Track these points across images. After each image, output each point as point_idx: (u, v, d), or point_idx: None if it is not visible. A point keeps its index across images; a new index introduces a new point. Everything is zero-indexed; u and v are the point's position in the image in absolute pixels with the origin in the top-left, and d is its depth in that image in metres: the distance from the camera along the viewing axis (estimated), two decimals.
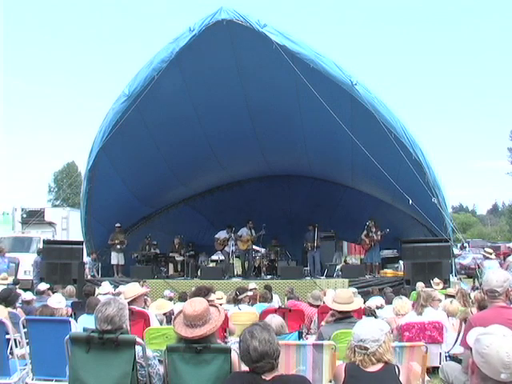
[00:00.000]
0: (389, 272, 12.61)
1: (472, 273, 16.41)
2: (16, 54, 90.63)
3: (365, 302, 7.09)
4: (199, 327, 2.93)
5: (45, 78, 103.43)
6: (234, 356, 2.93)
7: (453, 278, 11.06)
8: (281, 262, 13.13)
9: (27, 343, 4.63)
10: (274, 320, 4.01)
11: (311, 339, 4.94)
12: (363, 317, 5.39)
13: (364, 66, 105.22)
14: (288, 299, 7.89)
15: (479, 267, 11.09)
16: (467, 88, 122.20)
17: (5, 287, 7.00)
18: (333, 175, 14.83)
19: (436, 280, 9.11)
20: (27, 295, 6.97)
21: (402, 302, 5.81)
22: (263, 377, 2.50)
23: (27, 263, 12.75)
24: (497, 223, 63.59)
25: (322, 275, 12.46)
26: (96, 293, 7.68)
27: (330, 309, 4.55)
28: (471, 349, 2.09)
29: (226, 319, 5.38)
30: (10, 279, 9.24)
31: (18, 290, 7.00)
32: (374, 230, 12.35)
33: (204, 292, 5.20)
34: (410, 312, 5.53)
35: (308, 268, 12.72)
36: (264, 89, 10.72)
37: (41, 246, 13.30)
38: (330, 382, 3.61)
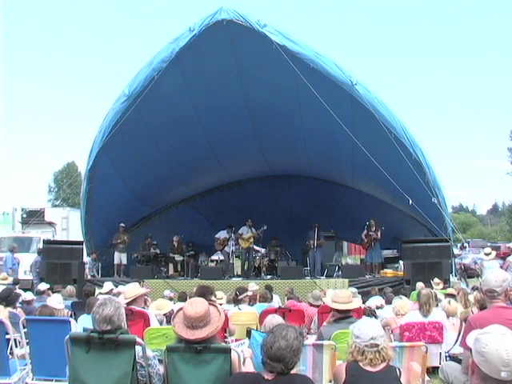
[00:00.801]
0: (389, 272, 12.61)
1: (472, 273, 16.42)
2: (16, 54, 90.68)
3: (365, 302, 7.11)
4: (200, 329, 2.92)
5: (45, 78, 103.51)
6: (234, 356, 2.92)
7: (453, 278, 11.06)
8: (281, 261, 13.13)
9: (27, 343, 4.63)
10: (274, 320, 4.01)
11: (311, 339, 4.94)
12: (363, 317, 5.39)
13: (364, 66, 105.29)
14: (288, 299, 7.89)
15: (480, 267, 11.11)
16: (467, 88, 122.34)
17: (5, 287, 7.01)
18: (333, 175, 14.83)
19: (436, 280, 9.11)
20: (27, 295, 6.97)
21: (402, 302, 5.81)
22: (266, 377, 2.49)
23: (27, 263, 12.78)
24: (497, 223, 63.57)
25: (322, 275, 12.46)
26: (96, 293, 7.68)
27: (331, 309, 4.55)
28: (471, 350, 2.09)
29: (226, 319, 5.38)
30: (10, 279, 9.25)
31: (18, 290, 7.00)
32: (373, 229, 12.37)
33: (209, 292, 5.20)
34: (411, 312, 5.53)
35: (308, 268, 12.72)
36: (264, 89, 10.73)
37: (41, 246, 13.31)
38: (330, 381, 3.62)
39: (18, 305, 6.07)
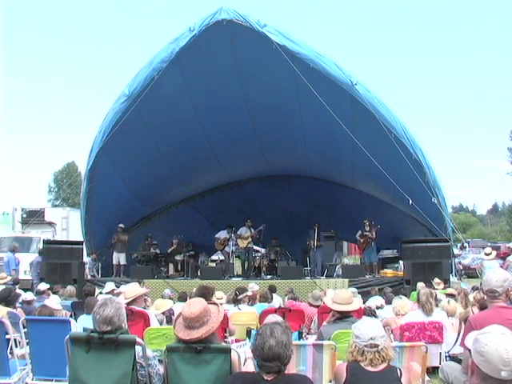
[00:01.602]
0: (389, 272, 12.61)
1: (472, 273, 16.42)
2: (16, 54, 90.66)
3: (365, 302, 7.10)
4: (196, 329, 2.93)
5: (45, 78, 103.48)
6: (234, 356, 2.92)
7: (453, 278, 11.06)
8: (281, 261, 13.13)
9: (27, 343, 4.63)
10: (274, 320, 4.01)
11: (311, 339, 4.94)
12: (363, 317, 5.39)
13: (364, 66, 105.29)
14: (288, 299, 7.88)
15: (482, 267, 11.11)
16: (467, 88, 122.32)
17: (4, 287, 7.01)
18: (333, 175, 14.83)
19: (436, 280, 9.11)
20: (28, 295, 6.97)
21: (402, 302, 5.80)
22: (265, 377, 2.49)
23: (27, 263, 12.77)
24: (497, 223, 63.55)
25: (322, 275, 12.46)
26: (96, 293, 7.68)
27: (331, 309, 4.55)
28: (470, 350, 2.09)
29: (226, 319, 5.38)
30: (9, 278, 9.24)
31: (18, 290, 7.00)
32: (368, 229, 12.37)
33: (210, 292, 5.20)
34: (411, 312, 5.52)
35: (308, 268, 12.72)
36: (264, 89, 10.72)
37: (41, 246, 13.31)
38: (330, 382, 3.61)
39: (18, 305, 6.07)
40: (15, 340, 4.80)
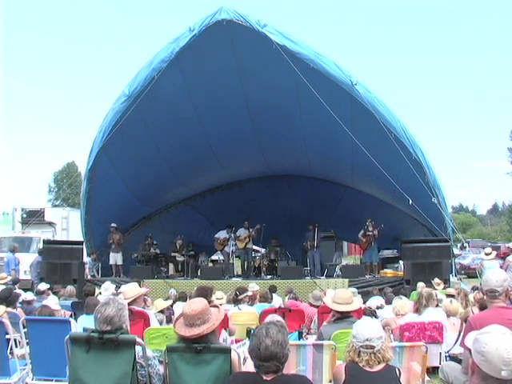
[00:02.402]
0: (389, 272, 12.61)
1: (472, 273, 16.42)
2: (16, 54, 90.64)
3: (365, 302, 7.10)
4: (197, 326, 2.93)
5: (45, 78, 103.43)
6: (234, 356, 2.93)
7: (453, 278, 11.06)
8: (281, 262, 13.13)
9: (27, 343, 4.63)
10: (269, 320, 4.01)
11: (311, 339, 4.94)
12: (363, 317, 5.39)
13: (364, 66, 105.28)
14: (289, 299, 7.88)
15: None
16: (467, 88, 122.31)
17: (4, 287, 7.00)
18: (333, 175, 14.83)
19: (436, 280, 9.11)
20: (28, 295, 6.97)
21: (402, 302, 5.80)
22: (264, 377, 2.49)
23: (27, 263, 12.77)
24: (497, 223, 63.52)
25: (322, 275, 12.46)
26: (96, 293, 7.68)
27: (331, 309, 4.55)
28: (470, 350, 2.09)
29: (226, 319, 5.38)
30: (9, 278, 9.23)
31: (18, 290, 6.99)
32: (371, 228, 12.37)
33: (209, 292, 5.20)
34: (410, 314, 5.53)
35: (308, 268, 12.72)
36: (264, 89, 10.72)
37: (41, 246, 13.31)
38: (330, 382, 3.61)
39: (18, 305, 6.07)
40: (15, 340, 4.80)
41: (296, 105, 10.90)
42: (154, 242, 13.81)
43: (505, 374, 1.94)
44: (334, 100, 9.35)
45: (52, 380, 4.35)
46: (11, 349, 4.61)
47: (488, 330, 2.09)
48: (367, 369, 2.73)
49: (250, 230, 13.05)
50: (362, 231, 12.58)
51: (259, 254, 14.23)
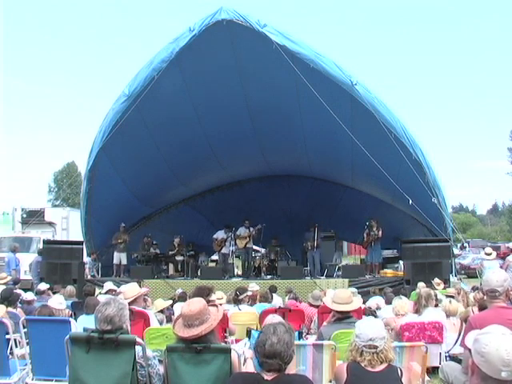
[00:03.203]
0: (389, 272, 12.61)
1: (472, 273, 16.42)
2: (16, 54, 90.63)
3: (365, 302, 7.10)
4: (196, 327, 2.93)
5: (45, 77, 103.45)
6: (234, 356, 2.92)
7: (453, 278, 11.06)
8: (281, 261, 13.13)
9: (27, 343, 4.63)
10: (274, 320, 4.01)
11: (311, 339, 4.94)
12: (363, 317, 5.39)
13: (364, 66, 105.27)
14: (289, 299, 7.88)
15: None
16: (467, 88, 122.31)
17: (5, 287, 7.00)
18: (333, 175, 14.83)
19: (436, 280, 9.11)
20: (28, 295, 6.97)
21: (402, 302, 5.80)
22: (265, 377, 2.50)
23: (27, 263, 12.77)
24: (497, 223, 63.52)
25: (322, 275, 12.46)
26: (96, 293, 7.68)
27: (331, 309, 4.55)
28: (470, 350, 2.09)
29: (226, 319, 5.38)
30: (9, 278, 9.23)
31: (18, 290, 6.99)
32: (374, 229, 12.36)
33: (206, 292, 5.20)
34: (410, 314, 5.53)
35: (308, 268, 12.72)
36: (264, 89, 10.72)
37: (41, 246, 13.31)
38: (330, 382, 3.62)
39: (18, 305, 6.07)
40: (15, 340, 4.80)
41: (296, 105, 10.90)
42: (154, 242, 13.81)
43: (505, 375, 1.94)
44: (334, 100, 9.34)
45: (52, 380, 4.35)
46: (11, 349, 4.61)
47: (488, 330, 2.09)
48: (369, 369, 2.73)
49: (251, 229, 13.03)
50: (366, 230, 12.51)
51: (259, 254, 14.22)
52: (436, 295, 6.27)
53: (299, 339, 4.46)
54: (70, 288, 8.18)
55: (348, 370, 2.76)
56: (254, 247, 13.74)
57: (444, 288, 8.83)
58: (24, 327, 4.63)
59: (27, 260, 12.87)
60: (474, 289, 7.85)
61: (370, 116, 9.47)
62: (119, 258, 12.90)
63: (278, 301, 7.77)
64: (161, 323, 5.67)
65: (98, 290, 8.23)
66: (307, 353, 3.75)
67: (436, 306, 5.85)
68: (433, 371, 4.94)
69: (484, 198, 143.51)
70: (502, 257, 12.79)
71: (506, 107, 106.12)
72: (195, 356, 2.88)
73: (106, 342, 2.84)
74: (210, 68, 10.15)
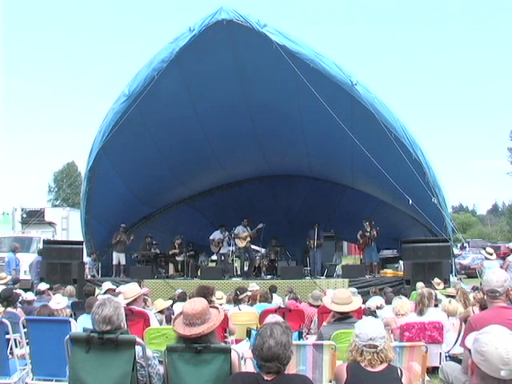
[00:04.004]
0: (389, 272, 12.61)
1: (472, 273, 16.42)
2: (16, 54, 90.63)
3: (365, 302, 7.10)
4: (198, 326, 2.92)
5: (45, 78, 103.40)
6: (234, 356, 2.92)
7: (453, 278, 11.06)
8: (281, 261, 13.13)
9: (27, 343, 4.63)
10: (274, 320, 4.01)
11: (311, 339, 4.94)
12: (363, 317, 5.39)
13: (364, 66, 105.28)
14: (289, 299, 7.88)
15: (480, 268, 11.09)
16: (467, 88, 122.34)
17: (5, 287, 7.00)
18: (333, 175, 14.83)
19: (436, 280, 9.11)
20: (28, 295, 6.97)
21: (402, 302, 5.80)
22: (265, 377, 2.50)
23: (27, 263, 12.77)
24: (497, 223, 63.48)
25: (322, 275, 12.46)
26: (96, 293, 7.68)
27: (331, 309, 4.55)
28: (470, 350, 2.09)
29: (226, 319, 5.38)
30: (9, 278, 9.22)
31: (18, 290, 6.99)
32: (369, 229, 12.37)
33: (209, 292, 5.20)
34: (411, 314, 5.53)
35: (308, 268, 12.72)
36: (264, 89, 10.72)
37: (41, 246, 13.31)
38: (330, 382, 3.62)
39: (18, 305, 6.07)
40: (15, 340, 4.80)
41: (296, 105, 10.89)
42: (154, 242, 13.81)
43: (504, 374, 1.94)
44: (334, 100, 9.34)
45: (52, 380, 4.35)
46: (11, 349, 4.61)
47: (487, 330, 2.09)
48: (369, 369, 2.73)
49: (249, 228, 12.93)
50: (360, 231, 12.57)
51: (259, 254, 14.22)
52: (436, 295, 6.27)
53: (299, 339, 4.46)
54: (70, 288, 8.19)
55: (348, 370, 2.76)
56: (254, 247, 13.72)
57: (444, 288, 8.83)
58: (24, 327, 4.63)
59: (27, 260, 12.87)
60: (474, 289, 7.85)
61: (370, 116, 9.46)
62: (118, 258, 12.90)
63: (278, 301, 7.77)
64: (160, 323, 5.67)
65: (97, 290, 8.22)
66: (307, 353, 3.75)
67: (436, 305, 5.85)
68: (433, 371, 4.93)
69: (484, 198, 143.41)
70: (502, 257, 12.78)
71: (506, 107, 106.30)
72: (195, 356, 2.88)
73: (105, 342, 2.84)
74: (210, 68, 10.15)
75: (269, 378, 2.49)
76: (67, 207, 21.97)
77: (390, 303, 6.44)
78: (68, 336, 3.03)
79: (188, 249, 14.40)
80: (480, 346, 2.01)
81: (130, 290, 5.00)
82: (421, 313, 5.35)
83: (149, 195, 14.06)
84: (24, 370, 4.59)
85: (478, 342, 2.04)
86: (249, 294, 6.82)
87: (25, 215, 17.70)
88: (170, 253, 13.79)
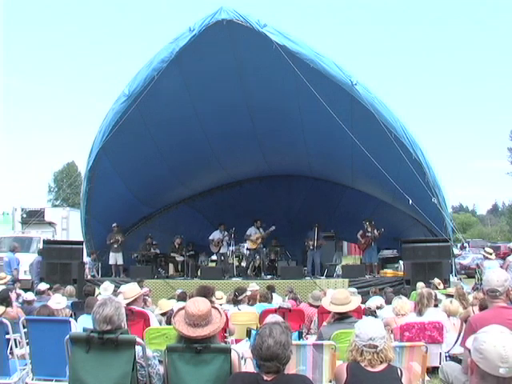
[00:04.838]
0: (389, 272, 12.61)
1: (472, 273, 16.41)
2: (16, 54, 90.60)
3: (365, 302, 7.10)
4: (202, 327, 2.92)
5: (45, 78, 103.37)
6: (234, 356, 2.92)
7: (453, 278, 11.06)
8: (281, 261, 13.13)
9: (27, 343, 4.63)
10: (274, 320, 4.01)
11: (311, 339, 4.94)
12: (363, 317, 5.39)
13: (364, 66, 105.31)
14: (289, 299, 7.87)
15: (479, 267, 11.08)
16: (467, 88, 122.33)
17: (4, 287, 7.00)
18: (333, 175, 14.83)
19: (436, 280, 9.11)
20: (28, 295, 6.97)
21: (402, 302, 5.80)
22: (265, 377, 2.50)
23: (27, 263, 12.77)
24: (497, 223, 63.47)
25: (322, 275, 12.46)
26: (96, 293, 7.68)
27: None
28: (469, 350, 2.10)
29: (226, 319, 5.38)
30: (8, 277, 9.21)
31: (18, 290, 7.00)
32: (369, 229, 12.37)
33: (210, 292, 5.20)
34: (411, 314, 5.53)
35: (308, 268, 12.71)
36: (264, 89, 10.72)
37: (41, 246, 13.30)
38: (330, 382, 3.62)
39: (18, 304, 6.07)
40: (15, 340, 4.80)
41: (296, 105, 10.90)
42: (154, 242, 13.80)
43: (503, 372, 1.94)
44: (334, 100, 9.34)
45: (52, 380, 4.35)
46: (11, 349, 4.61)
47: (487, 329, 2.10)
48: (369, 369, 2.73)
49: (262, 230, 12.89)
50: (360, 231, 12.57)
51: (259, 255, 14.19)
52: (436, 295, 6.27)
53: (299, 339, 4.46)
54: (70, 288, 8.19)
55: (348, 370, 2.76)
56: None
57: (444, 288, 8.83)
58: (24, 327, 4.63)
59: (27, 260, 12.87)
60: (474, 289, 7.85)
61: (369, 116, 9.46)
62: (115, 258, 12.88)
63: (278, 301, 7.76)
64: (160, 323, 5.66)
65: (97, 290, 8.22)
66: (307, 353, 3.75)
67: (435, 305, 5.85)
68: (433, 371, 4.93)
69: (484, 197, 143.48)
70: (502, 257, 12.79)
71: (506, 107, 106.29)
72: (195, 356, 2.88)
73: (105, 342, 2.84)
74: (210, 68, 10.15)
75: (268, 378, 2.49)
76: (67, 207, 21.97)
77: (390, 303, 6.44)
78: (68, 336, 3.02)
79: (188, 249, 14.39)
80: (479, 344, 2.02)
81: (130, 290, 5.00)
82: (420, 313, 5.37)
83: (149, 195, 14.06)
84: (24, 370, 4.59)
85: (476, 340, 2.05)
86: (248, 294, 6.81)
87: (25, 215, 17.69)
88: (171, 254, 13.78)
